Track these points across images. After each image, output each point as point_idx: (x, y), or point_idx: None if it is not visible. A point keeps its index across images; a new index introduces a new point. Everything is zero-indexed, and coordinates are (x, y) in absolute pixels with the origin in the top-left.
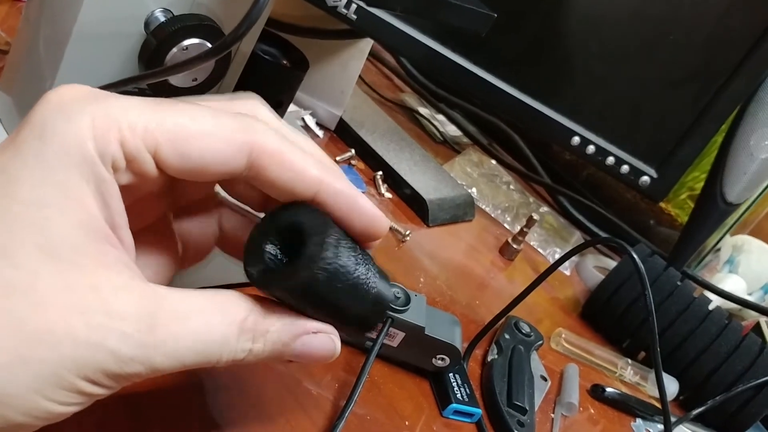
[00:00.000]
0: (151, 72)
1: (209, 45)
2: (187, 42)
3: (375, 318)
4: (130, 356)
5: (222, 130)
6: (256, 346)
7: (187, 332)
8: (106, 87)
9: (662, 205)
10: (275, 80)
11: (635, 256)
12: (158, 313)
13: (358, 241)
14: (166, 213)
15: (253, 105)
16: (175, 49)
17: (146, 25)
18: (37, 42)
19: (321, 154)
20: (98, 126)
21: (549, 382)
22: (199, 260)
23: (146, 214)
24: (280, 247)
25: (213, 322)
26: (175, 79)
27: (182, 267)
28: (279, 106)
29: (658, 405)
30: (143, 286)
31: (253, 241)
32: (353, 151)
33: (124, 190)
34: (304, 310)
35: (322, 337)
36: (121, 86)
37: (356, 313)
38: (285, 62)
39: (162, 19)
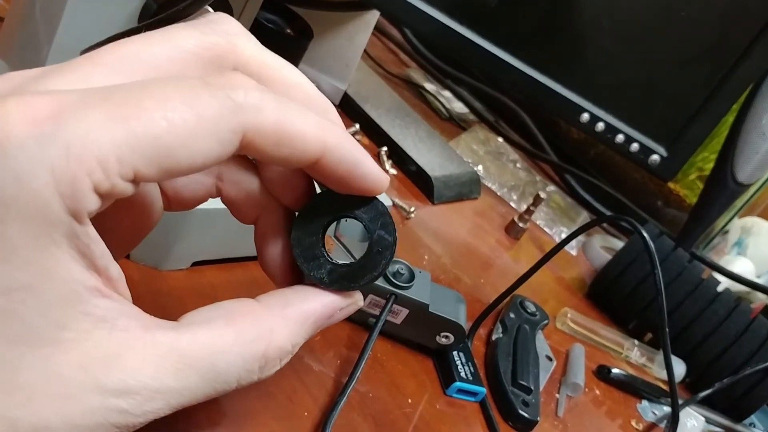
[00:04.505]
0: (145, 24)
1: (211, 11)
2: None
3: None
4: (133, 424)
5: (206, 123)
6: (282, 364)
7: (198, 382)
8: (102, 42)
9: (671, 185)
10: (278, 49)
11: (645, 233)
12: (162, 371)
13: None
14: None
15: (230, 33)
16: None
17: None
18: (33, 6)
19: (320, 101)
20: (62, 179)
21: (554, 362)
22: (190, 208)
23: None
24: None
25: (230, 368)
26: None
27: (169, 210)
28: None
29: (665, 387)
30: (142, 341)
31: (308, 244)
32: (358, 126)
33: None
34: None
35: (346, 311)
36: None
37: None
38: (289, 31)
39: None
